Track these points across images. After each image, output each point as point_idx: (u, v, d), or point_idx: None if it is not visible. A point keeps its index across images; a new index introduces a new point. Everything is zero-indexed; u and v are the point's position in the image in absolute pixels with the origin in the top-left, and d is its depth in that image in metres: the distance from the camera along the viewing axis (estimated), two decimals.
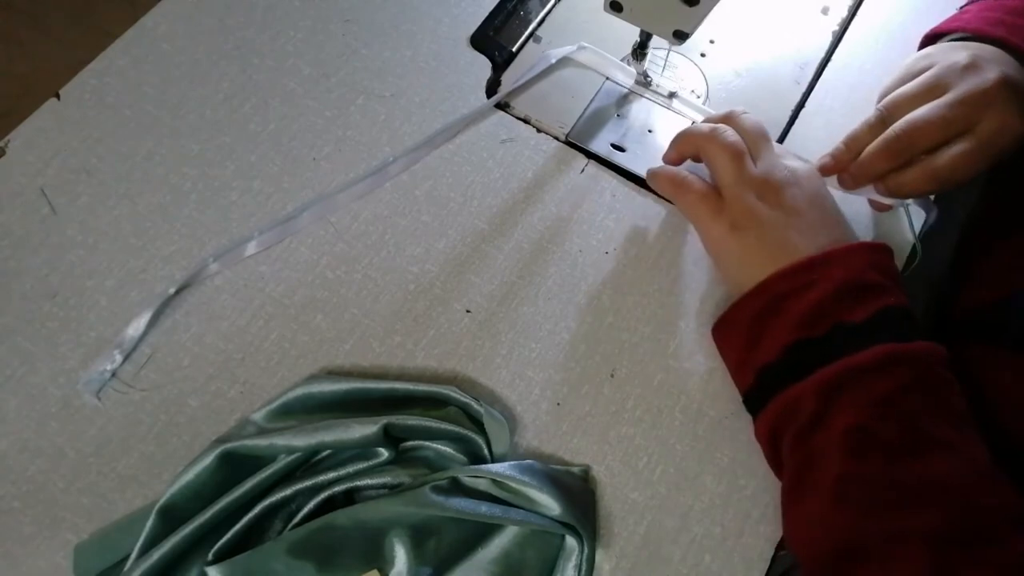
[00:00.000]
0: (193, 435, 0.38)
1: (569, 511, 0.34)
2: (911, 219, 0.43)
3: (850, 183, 0.42)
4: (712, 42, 0.50)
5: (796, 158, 0.41)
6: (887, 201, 0.42)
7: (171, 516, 0.35)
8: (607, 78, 0.48)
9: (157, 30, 0.48)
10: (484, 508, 0.34)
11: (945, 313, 0.44)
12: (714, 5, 0.37)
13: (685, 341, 0.41)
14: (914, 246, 0.42)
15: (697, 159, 0.41)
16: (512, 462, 0.36)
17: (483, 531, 0.35)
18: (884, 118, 0.40)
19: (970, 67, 0.39)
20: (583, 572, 0.34)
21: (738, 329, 0.37)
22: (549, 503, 0.34)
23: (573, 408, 0.39)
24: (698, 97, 0.48)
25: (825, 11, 0.51)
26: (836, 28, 0.51)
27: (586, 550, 0.34)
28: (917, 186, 0.39)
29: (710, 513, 0.37)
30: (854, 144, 0.41)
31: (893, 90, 0.41)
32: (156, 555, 0.33)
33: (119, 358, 0.39)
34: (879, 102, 0.41)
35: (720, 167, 0.39)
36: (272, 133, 0.45)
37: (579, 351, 0.40)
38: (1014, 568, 0.28)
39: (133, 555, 0.34)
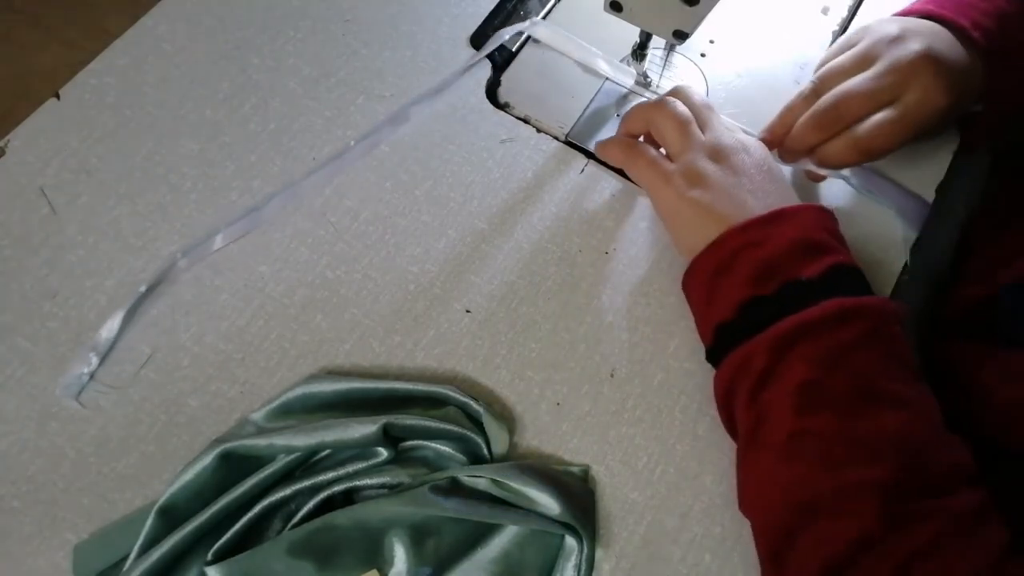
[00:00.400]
0: (193, 435, 0.38)
1: (569, 511, 0.34)
2: (904, 230, 0.43)
3: (786, 156, 0.42)
4: (712, 42, 0.50)
5: (742, 131, 0.42)
6: (821, 172, 0.42)
7: (171, 516, 0.35)
8: (607, 78, 0.48)
9: (157, 30, 0.48)
10: (484, 508, 0.34)
11: (940, 311, 0.44)
12: (714, 5, 0.37)
13: (685, 341, 0.41)
14: (906, 263, 0.43)
15: (648, 136, 0.42)
16: (512, 462, 0.36)
17: (483, 531, 0.35)
18: (817, 90, 0.41)
19: (898, 39, 0.39)
20: (583, 572, 0.34)
21: (697, 286, 0.37)
22: (549, 503, 0.34)
23: (573, 408, 0.39)
24: None
25: (825, 11, 0.51)
26: (836, 28, 0.51)
27: (586, 550, 0.34)
28: (841, 156, 0.39)
29: (710, 513, 0.37)
30: (788, 117, 0.42)
31: (829, 62, 0.42)
32: (156, 555, 0.33)
33: (95, 360, 0.39)
34: (815, 74, 0.42)
35: (668, 134, 0.40)
36: (272, 133, 0.45)
37: (579, 351, 0.40)
38: (963, 518, 0.29)
39: (132, 555, 0.34)
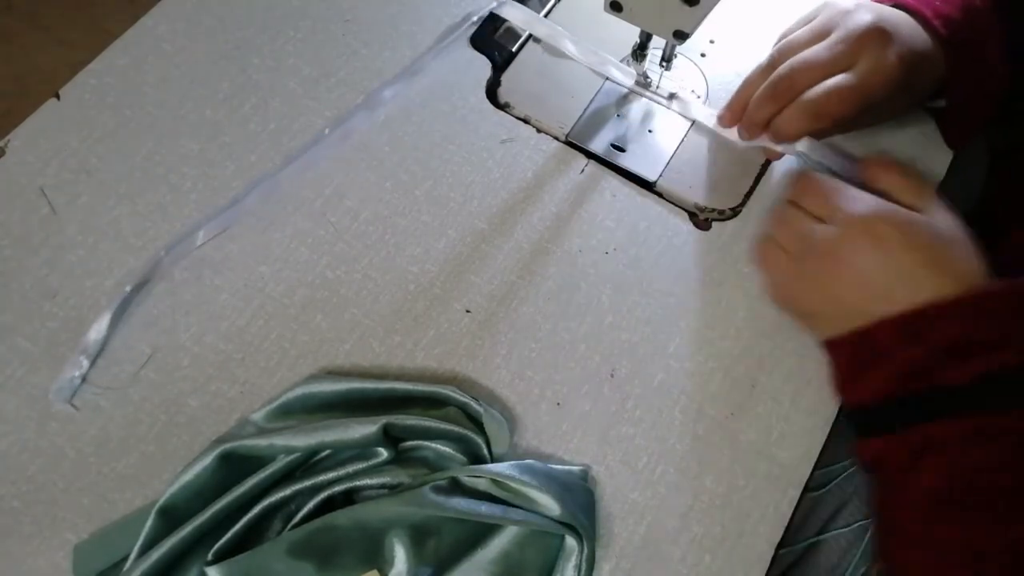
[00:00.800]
0: (193, 435, 0.38)
1: (569, 511, 0.34)
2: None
3: (744, 133, 0.42)
4: (712, 42, 0.50)
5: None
6: (778, 148, 0.42)
7: (171, 516, 0.35)
8: (607, 78, 0.48)
9: (157, 30, 0.48)
10: (484, 508, 0.34)
11: None
12: (714, 5, 0.37)
13: (685, 341, 0.41)
14: None
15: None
16: (512, 462, 0.36)
17: (483, 531, 0.35)
18: (773, 63, 0.41)
19: (852, 12, 0.39)
20: (583, 572, 0.34)
21: (838, 360, 0.36)
22: (549, 503, 0.34)
23: (573, 408, 0.39)
24: (698, 97, 0.48)
25: None
26: None
27: (586, 550, 0.34)
28: (793, 123, 0.39)
29: (710, 513, 0.37)
30: (746, 91, 0.42)
31: (787, 37, 0.42)
32: (156, 555, 0.33)
33: (86, 363, 0.39)
34: (774, 47, 0.42)
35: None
36: (272, 133, 0.45)
37: (579, 351, 0.40)
38: None
39: (133, 555, 0.34)
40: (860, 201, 0.36)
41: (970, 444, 0.31)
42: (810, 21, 0.42)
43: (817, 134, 0.41)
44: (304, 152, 0.44)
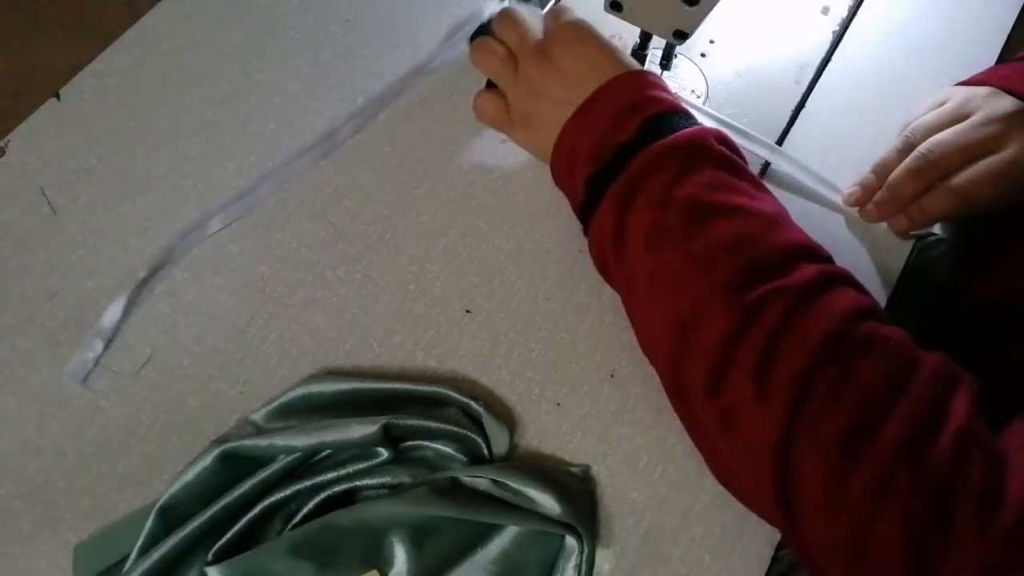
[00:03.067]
0: (193, 435, 0.38)
1: (569, 511, 0.34)
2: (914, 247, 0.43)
3: (875, 213, 0.42)
4: (712, 42, 0.50)
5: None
6: (914, 231, 0.42)
7: (171, 516, 0.35)
8: None
9: (157, 30, 0.48)
10: (484, 508, 0.34)
11: (952, 305, 0.44)
12: (714, 5, 0.37)
13: None
14: (907, 264, 0.43)
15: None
16: (512, 462, 0.36)
17: (483, 531, 0.35)
18: (910, 142, 0.41)
19: (993, 94, 0.39)
20: (583, 572, 0.34)
21: (563, 182, 0.40)
22: (549, 503, 0.34)
23: (573, 408, 0.39)
24: (698, 97, 0.48)
25: (825, 11, 0.51)
26: (836, 28, 0.51)
27: (586, 550, 0.34)
28: (938, 206, 0.39)
29: (710, 513, 0.37)
30: (882, 171, 0.42)
31: (919, 119, 0.42)
32: (156, 555, 0.33)
33: (100, 345, 0.39)
34: (907, 130, 0.42)
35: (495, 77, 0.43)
36: (272, 133, 0.45)
37: (579, 351, 0.40)
38: (805, 291, 0.31)
39: (133, 555, 0.34)
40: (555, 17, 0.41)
41: (653, 171, 0.35)
42: (938, 104, 0.42)
43: (957, 216, 0.42)
44: (322, 142, 0.44)
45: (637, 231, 0.34)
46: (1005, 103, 0.39)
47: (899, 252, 0.43)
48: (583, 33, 0.40)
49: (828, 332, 0.30)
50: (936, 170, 0.39)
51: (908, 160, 0.40)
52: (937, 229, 0.43)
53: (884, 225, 0.44)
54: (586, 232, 0.39)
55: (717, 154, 0.35)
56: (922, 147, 0.39)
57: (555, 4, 0.43)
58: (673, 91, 0.39)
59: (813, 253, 0.33)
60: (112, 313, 0.39)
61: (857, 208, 0.43)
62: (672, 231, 0.34)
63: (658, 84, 0.38)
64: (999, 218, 0.45)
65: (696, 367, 0.32)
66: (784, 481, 0.29)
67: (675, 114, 0.36)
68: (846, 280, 0.33)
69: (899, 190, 0.40)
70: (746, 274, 0.32)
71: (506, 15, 0.42)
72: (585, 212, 0.38)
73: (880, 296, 0.42)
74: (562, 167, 0.39)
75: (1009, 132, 0.38)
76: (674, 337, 0.33)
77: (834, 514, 0.28)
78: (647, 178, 0.35)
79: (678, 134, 0.35)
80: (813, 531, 0.29)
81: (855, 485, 0.28)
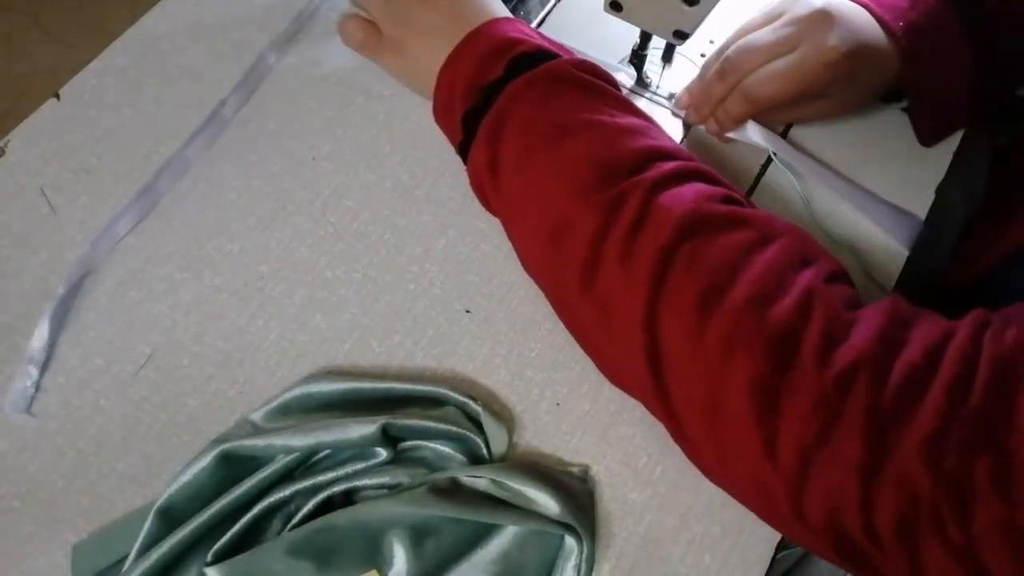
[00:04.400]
0: (193, 435, 0.38)
1: (568, 511, 0.34)
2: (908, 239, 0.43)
3: (694, 116, 0.44)
4: (712, 42, 0.50)
5: None
6: (728, 135, 0.43)
7: (170, 516, 0.35)
8: None
9: (157, 30, 0.48)
10: (483, 508, 0.34)
11: (946, 284, 0.44)
12: (714, 5, 0.37)
13: None
14: (906, 262, 0.43)
15: None
16: (511, 462, 0.36)
17: (482, 531, 0.35)
18: (726, 47, 0.42)
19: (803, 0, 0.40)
20: (582, 572, 0.34)
21: (443, 124, 0.41)
22: (548, 503, 0.34)
23: (573, 408, 0.39)
24: None
25: None
26: None
27: (585, 550, 0.34)
28: (735, 108, 0.41)
29: (710, 513, 0.37)
30: (703, 75, 0.43)
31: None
32: (155, 555, 0.33)
33: (35, 372, 0.38)
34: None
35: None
36: (272, 133, 0.45)
37: (579, 351, 0.40)
38: (660, 183, 0.33)
39: (132, 555, 0.34)
40: None
41: (517, 102, 0.36)
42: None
43: (765, 120, 0.43)
44: (207, 123, 0.45)
45: (507, 158, 0.36)
46: (810, 2, 0.39)
47: (899, 252, 0.43)
48: None
49: (683, 213, 0.31)
50: (736, 72, 0.40)
51: (716, 63, 0.41)
52: (755, 135, 0.43)
53: (880, 227, 0.44)
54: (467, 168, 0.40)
55: (578, 79, 0.36)
56: (729, 51, 0.41)
57: None
58: (545, 37, 0.40)
59: (672, 155, 0.35)
60: (39, 336, 0.38)
61: (684, 112, 0.45)
62: (537, 151, 0.35)
63: (526, 29, 0.40)
64: (994, 213, 0.45)
65: (571, 270, 0.33)
66: (653, 352, 0.31)
67: (541, 52, 0.38)
68: (704, 175, 0.34)
69: (708, 91, 0.42)
70: (604, 177, 0.33)
71: None
72: (464, 150, 0.39)
73: (879, 288, 0.42)
74: (441, 111, 0.40)
75: (804, 33, 0.38)
76: (548, 248, 0.35)
77: (694, 373, 0.30)
78: (513, 108, 0.36)
79: (539, 67, 0.36)
80: (680, 399, 0.31)
81: (709, 341, 0.30)
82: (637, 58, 0.46)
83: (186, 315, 0.40)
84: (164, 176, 0.43)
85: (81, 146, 0.44)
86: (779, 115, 0.44)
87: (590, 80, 0.37)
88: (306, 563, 0.33)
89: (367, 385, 0.37)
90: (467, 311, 0.41)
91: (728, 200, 0.33)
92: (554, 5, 0.51)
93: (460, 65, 0.38)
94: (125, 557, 0.34)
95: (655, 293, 0.31)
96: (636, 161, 0.34)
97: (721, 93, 0.41)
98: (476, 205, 0.44)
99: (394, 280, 0.42)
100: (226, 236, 0.42)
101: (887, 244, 0.43)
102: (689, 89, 0.45)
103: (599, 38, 0.48)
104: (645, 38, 0.44)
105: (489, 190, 0.37)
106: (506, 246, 0.43)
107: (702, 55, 0.49)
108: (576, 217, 0.33)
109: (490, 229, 0.43)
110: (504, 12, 0.41)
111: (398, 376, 0.40)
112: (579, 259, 0.33)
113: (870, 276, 0.42)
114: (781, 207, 0.45)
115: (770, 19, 0.41)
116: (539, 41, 0.38)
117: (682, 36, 0.40)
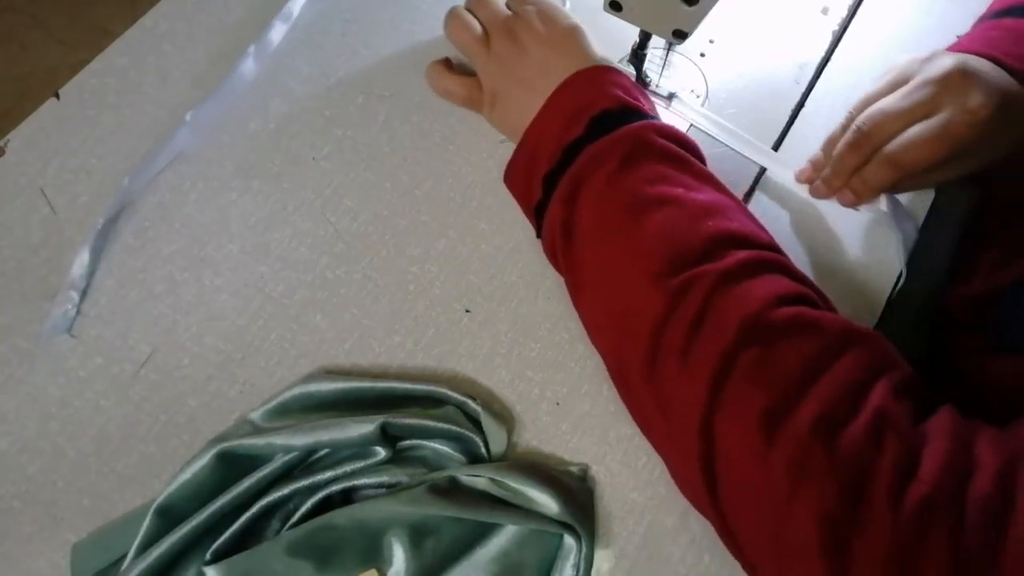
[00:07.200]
0: (193, 435, 0.38)
1: (568, 510, 0.34)
2: (902, 244, 0.43)
3: (822, 190, 0.42)
4: (712, 42, 0.50)
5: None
6: (860, 208, 0.42)
7: (169, 515, 0.35)
8: None
9: (157, 30, 0.48)
10: (483, 508, 0.34)
11: (942, 305, 0.44)
12: (714, 5, 0.37)
13: None
14: (900, 272, 0.43)
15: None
16: (510, 461, 0.36)
17: (481, 530, 0.35)
18: (852, 117, 0.41)
19: (930, 58, 0.39)
20: (581, 571, 0.34)
21: (516, 185, 0.42)
22: (547, 502, 0.34)
23: (572, 408, 0.39)
24: (697, 97, 0.48)
25: (825, 11, 0.51)
26: (836, 28, 0.51)
27: (584, 549, 0.34)
28: (876, 177, 0.39)
29: None
30: (829, 147, 0.42)
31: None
32: (154, 555, 0.33)
33: (75, 296, 0.39)
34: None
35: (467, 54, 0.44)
36: (272, 133, 0.45)
37: (579, 351, 0.40)
38: (728, 275, 0.32)
39: (131, 555, 0.34)
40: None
41: (596, 165, 0.36)
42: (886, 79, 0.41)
43: (905, 186, 0.41)
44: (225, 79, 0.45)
45: (581, 226, 0.36)
46: (943, 63, 0.38)
47: (885, 276, 0.43)
48: (548, 14, 0.42)
49: (746, 315, 0.30)
50: (871, 141, 0.39)
51: (847, 134, 0.40)
52: (905, 200, 0.42)
53: (882, 228, 0.44)
54: (538, 232, 0.40)
55: (659, 147, 0.36)
56: (858, 119, 0.39)
57: None
58: (634, 85, 0.41)
59: (747, 241, 0.34)
60: (79, 264, 0.40)
61: (808, 186, 0.43)
62: (611, 226, 0.35)
63: (613, 81, 0.39)
64: (987, 210, 0.45)
65: (634, 356, 0.33)
66: (708, 458, 0.30)
67: (624, 110, 0.38)
68: (778, 267, 0.33)
69: (840, 164, 0.40)
70: (674, 262, 0.33)
71: None
72: (540, 209, 0.39)
73: (875, 307, 0.42)
74: (520, 169, 0.40)
75: (943, 94, 0.37)
76: (615, 329, 0.35)
77: (756, 497, 0.29)
78: (590, 173, 0.36)
79: (620, 130, 0.36)
80: (738, 520, 0.30)
81: (774, 466, 0.28)
82: (637, 57, 0.46)
83: (186, 315, 0.40)
84: (206, 106, 0.44)
85: (81, 146, 0.44)
86: (922, 179, 0.41)
87: (672, 149, 0.36)
88: (305, 562, 0.33)
89: (366, 384, 0.38)
90: (467, 311, 0.41)
91: (800, 299, 0.32)
92: None
93: (544, 123, 0.39)
94: (124, 556, 0.34)
95: (714, 398, 0.30)
96: (709, 246, 0.33)
97: (855, 164, 0.40)
98: (476, 205, 0.44)
99: (394, 280, 0.42)
100: (226, 236, 0.42)
101: (892, 235, 0.43)
102: (813, 162, 0.43)
103: (599, 38, 0.48)
104: (645, 38, 0.44)
105: (561, 253, 0.37)
106: (506, 246, 0.43)
107: (702, 55, 0.49)
108: (642, 301, 0.33)
109: (490, 229, 0.43)
110: (596, 57, 0.41)
111: (398, 376, 0.40)
112: (642, 347, 0.32)
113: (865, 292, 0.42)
114: (772, 218, 0.45)
115: (895, 85, 0.39)
116: (621, 95, 0.38)
117: (682, 36, 0.40)
